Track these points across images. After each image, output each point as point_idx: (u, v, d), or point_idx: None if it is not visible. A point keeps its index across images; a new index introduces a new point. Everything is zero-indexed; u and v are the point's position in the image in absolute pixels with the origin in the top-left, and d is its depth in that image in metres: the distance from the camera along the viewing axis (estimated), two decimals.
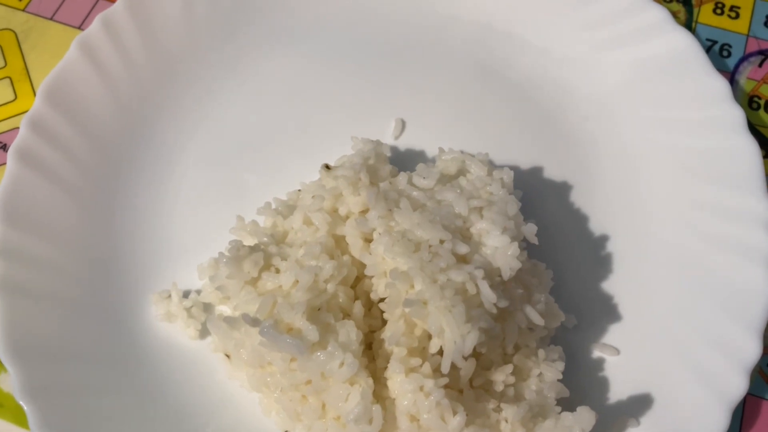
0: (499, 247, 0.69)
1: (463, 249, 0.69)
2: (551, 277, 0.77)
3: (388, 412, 0.67)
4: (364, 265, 0.75)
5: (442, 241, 0.69)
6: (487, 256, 0.70)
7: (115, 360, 0.78)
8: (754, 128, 0.94)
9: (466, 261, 0.69)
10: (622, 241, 0.85)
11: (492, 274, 0.68)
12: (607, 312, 0.81)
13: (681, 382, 0.75)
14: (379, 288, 0.71)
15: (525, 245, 0.74)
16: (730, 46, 1.00)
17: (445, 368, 0.64)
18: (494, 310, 0.66)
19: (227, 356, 0.76)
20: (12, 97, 0.97)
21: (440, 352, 0.66)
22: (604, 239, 0.86)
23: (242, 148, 0.91)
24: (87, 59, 0.90)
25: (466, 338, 0.63)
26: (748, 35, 1.01)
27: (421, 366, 0.66)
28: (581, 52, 0.95)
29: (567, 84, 0.94)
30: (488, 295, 0.65)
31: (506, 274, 0.69)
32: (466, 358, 0.65)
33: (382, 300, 0.72)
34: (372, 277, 0.73)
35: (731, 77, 0.98)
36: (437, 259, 0.67)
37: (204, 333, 0.80)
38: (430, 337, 0.67)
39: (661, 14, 0.92)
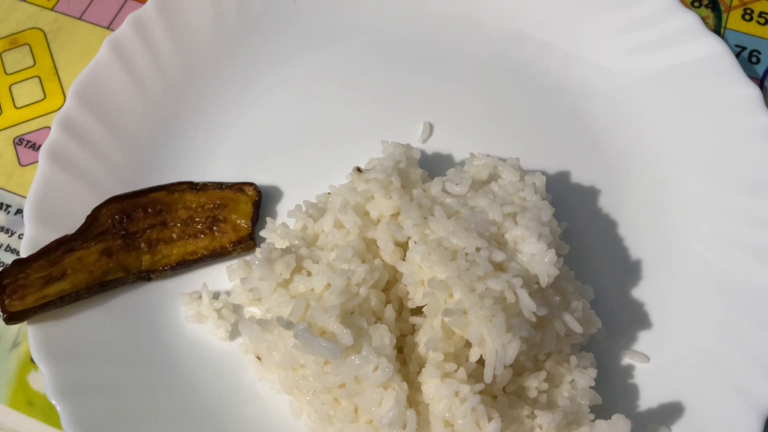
0: (535, 254, 0.69)
1: (499, 257, 0.69)
2: (592, 291, 0.78)
3: (421, 417, 0.68)
4: (395, 269, 0.75)
5: (478, 249, 0.69)
6: (523, 264, 0.70)
7: (145, 360, 0.79)
8: None
9: (503, 269, 0.69)
10: (651, 248, 0.85)
11: (530, 282, 0.68)
12: (636, 319, 0.81)
13: (712, 390, 0.74)
14: (416, 296, 0.71)
15: (567, 248, 0.73)
16: (759, 53, 1.00)
17: (488, 377, 0.64)
18: (534, 319, 0.66)
19: (258, 358, 0.77)
20: (41, 96, 0.98)
21: (479, 361, 0.66)
22: (632, 246, 0.85)
23: (270, 150, 0.91)
24: (117, 60, 0.91)
25: (508, 348, 0.63)
26: None
27: (456, 371, 0.66)
28: (611, 58, 0.94)
29: (596, 89, 0.94)
30: (528, 304, 0.65)
31: (544, 281, 0.69)
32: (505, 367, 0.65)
33: (418, 308, 0.72)
34: (406, 283, 0.73)
35: (760, 83, 0.98)
36: (474, 267, 0.67)
37: (234, 334, 0.80)
38: (467, 342, 0.67)
39: (691, 20, 0.92)
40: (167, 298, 0.82)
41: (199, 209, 0.85)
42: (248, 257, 0.83)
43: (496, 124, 0.93)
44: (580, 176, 0.89)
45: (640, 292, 0.82)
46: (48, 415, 0.79)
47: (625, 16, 0.95)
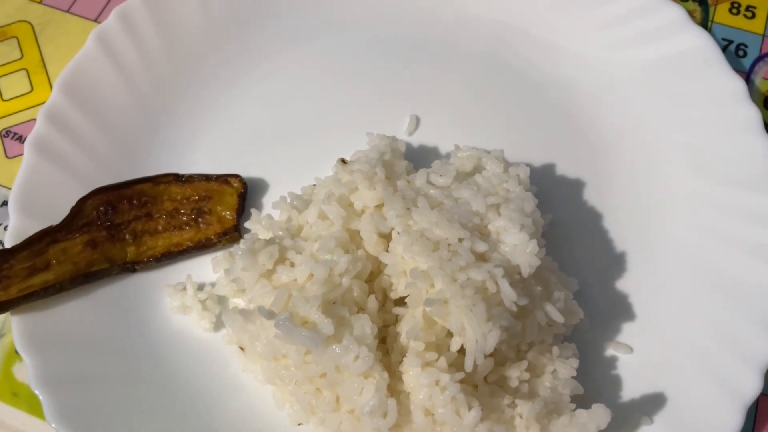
0: (517, 245, 0.69)
1: (481, 247, 0.69)
2: (576, 283, 0.78)
3: (403, 406, 0.68)
4: (378, 260, 0.75)
5: (460, 240, 0.69)
6: (505, 254, 0.70)
7: (129, 351, 0.79)
8: None
9: (485, 259, 0.69)
10: (636, 239, 0.85)
11: (511, 272, 0.68)
12: (620, 310, 0.81)
13: (694, 381, 0.75)
14: (398, 287, 0.71)
15: (544, 243, 0.74)
16: (746, 46, 1.00)
17: (468, 366, 0.65)
18: (514, 309, 0.66)
19: (241, 349, 0.77)
20: (28, 88, 0.98)
21: (460, 350, 0.66)
22: (617, 238, 0.85)
23: (257, 143, 0.91)
24: (104, 52, 0.91)
25: (488, 337, 0.63)
26: (764, 35, 1.01)
27: (436, 360, 0.66)
28: (597, 51, 0.94)
29: (582, 82, 0.94)
30: (508, 294, 0.65)
31: (525, 271, 0.69)
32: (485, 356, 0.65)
33: (401, 299, 0.72)
34: (389, 274, 0.73)
35: (747, 77, 0.98)
36: (456, 257, 0.68)
37: (218, 325, 0.80)
38: (448, 332, 0.68)
39: (678, 13, 0.92)
40: (152, 289, 0.82)
41: (185, 201, 0.85)
42: (233, 249, 0.82)
43: (482, 117, 0.93)
44: (566, 169, 0.90)
45: (625, 284, 0.83)
46: (32, 405, 0.79)
47: (611, 9, 0.95)
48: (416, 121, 0.93)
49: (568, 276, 0.79)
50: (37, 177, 0.84)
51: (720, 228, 0.82)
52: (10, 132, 0.95)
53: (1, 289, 0.76)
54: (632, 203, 0.87)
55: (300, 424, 0.73)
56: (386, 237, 0.75)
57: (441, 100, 0.94)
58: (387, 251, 0.74)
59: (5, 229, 0.85)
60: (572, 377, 0.72)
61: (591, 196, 0.88)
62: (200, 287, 0.82)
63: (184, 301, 0.80)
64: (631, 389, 0.76)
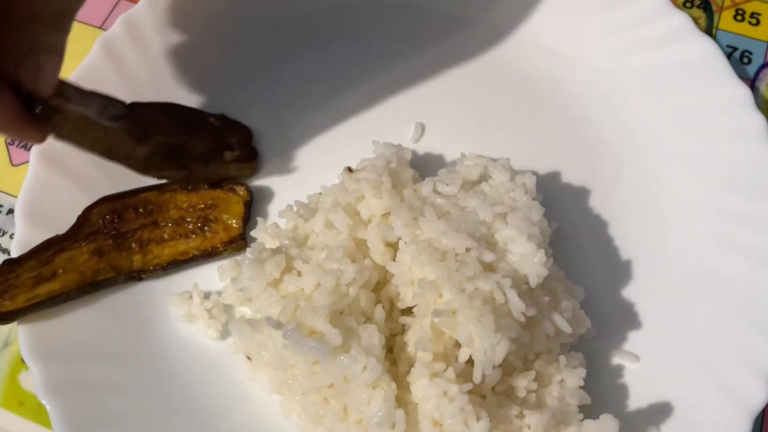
0: (525, 255, 0.69)
1: (489, 257, 0.69)
2: (582, 292, 0.78)
3: (410, 417, 0.68)
4: (385, 270, 0.75)
5: (468, 250, 0.69)
6: (513, 264, 0.70)
7: (135, 360, 0.79)
8: None
9: (493, 269, 0.69)
10: (642, 248, 0.85)
11: (519, 282, 0.68)
12: (626, 319, 0.81)
13: (701, 391, 0.75)
14: (406, 297, 0.71)
15: (551, 252, 0.74)
16: (750, 53, 1.00)
17: (477, 378, 0.65)
18: (523, 319, 0.66)
19: (248, 358, 0.77)
20: None
21: (468, 361, 0.66)
22: (623, 246, 0.85)
23: (262, 150, 0.91)
24: (109, 60, 0.90)
25: (496, 348, 0.63)
26: None
27: (444, 371, 0.66)
28: (602, 58, 0.94)
29: (587, 89, 0.94)
30: (517, 305, 0.65)
31: (533, 281, 0.69)
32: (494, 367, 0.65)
33: (408, 308, 0.72)
34: (396, 284, 0.73)
35: (752, 84, 0.98)
36: (464, 267, 0.68)
37: (224, 334, 0.80)
38: (456, 343, 0.68)
39: (683, 20, 0.92)
40: (158, 298, 0.82)
41: (191, 209, 0.85)
42: (239, 257, 0.83)
43: (487, 125, 0.93)
44: (572, 176, 0.90)
45: (631, 293, 0.83)
46: (38, 414, 0.79)
47: (616, 16, 0.95)
48: (422, 129, 0.93)
49: (573, 284, 0.79)
50: (43, 185, 0.83)
51: (726, 237, 0.82)
52: None
53: (8, 299, 0.76)
54: (638, 211, 0.87)
55: None
56: (393, 246, 0.75)
57: (446, 108, 0.94)
58: (394, 260, 0.74)
59: (12, 237, 0.86)
60: (580, 387, 0.72)
61: (597, 203, 0.88)
62: (206, 296, 0.82)
63: (190, 309, 0.80)
64: (638, 398, 0.76)
